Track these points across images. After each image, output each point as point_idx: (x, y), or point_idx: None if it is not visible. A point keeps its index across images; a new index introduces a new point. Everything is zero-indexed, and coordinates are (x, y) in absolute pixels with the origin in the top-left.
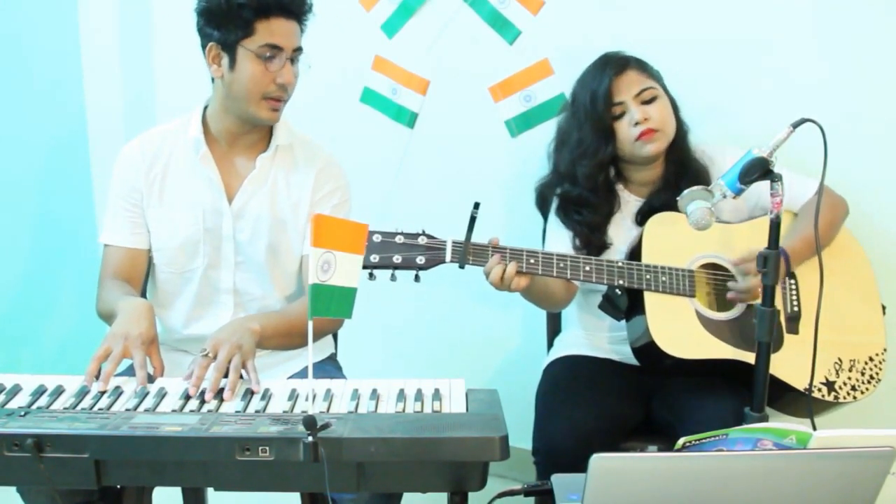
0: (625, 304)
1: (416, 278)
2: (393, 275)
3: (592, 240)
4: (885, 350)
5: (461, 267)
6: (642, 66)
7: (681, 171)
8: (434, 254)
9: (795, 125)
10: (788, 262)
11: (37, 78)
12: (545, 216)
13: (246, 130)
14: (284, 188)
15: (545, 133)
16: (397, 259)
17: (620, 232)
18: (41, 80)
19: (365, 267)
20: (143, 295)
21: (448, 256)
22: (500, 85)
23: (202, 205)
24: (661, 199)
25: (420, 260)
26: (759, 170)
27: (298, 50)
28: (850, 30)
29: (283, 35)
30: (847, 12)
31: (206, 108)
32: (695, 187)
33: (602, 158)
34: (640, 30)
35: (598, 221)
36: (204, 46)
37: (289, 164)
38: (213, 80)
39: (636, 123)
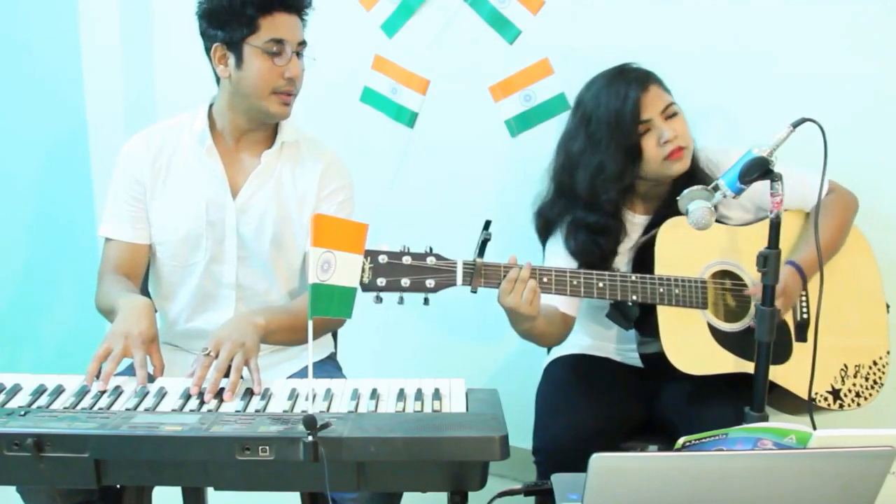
0: (635, 314)
1: (426, 301)
2: (401, 298)
3: (602, 268)
4: (888, 353)
5: (473, 291)
6: (659, 80)
7: (690, 182)
8: (444, 277)
9: (795, 125)
10: (804, 279)
11: (37, 77)
12: (544, 241)
13: (253, 127)
14: (290, 183)
15: (545, 133)
16: (405, 283)
17: (625, 261)
18: (41, 80)
19: (371, 290)
20: (144, 289)
21: (459, 280)
22: (500, 84)
23: (205, 198)
24: (668, 215)
25: (430, 283)
26: (758, 169)
27: (303, 44)
28: (850, 28)
29: (286, 29)
30: (847, 11)
31: (211, 105)
32: (695, 186)
33: (628, 181)
34: (639, 29)
35: (611, 247)
36: (208, 49)
37: (294, 160)
38: (217, 79)
39: (665, 142)
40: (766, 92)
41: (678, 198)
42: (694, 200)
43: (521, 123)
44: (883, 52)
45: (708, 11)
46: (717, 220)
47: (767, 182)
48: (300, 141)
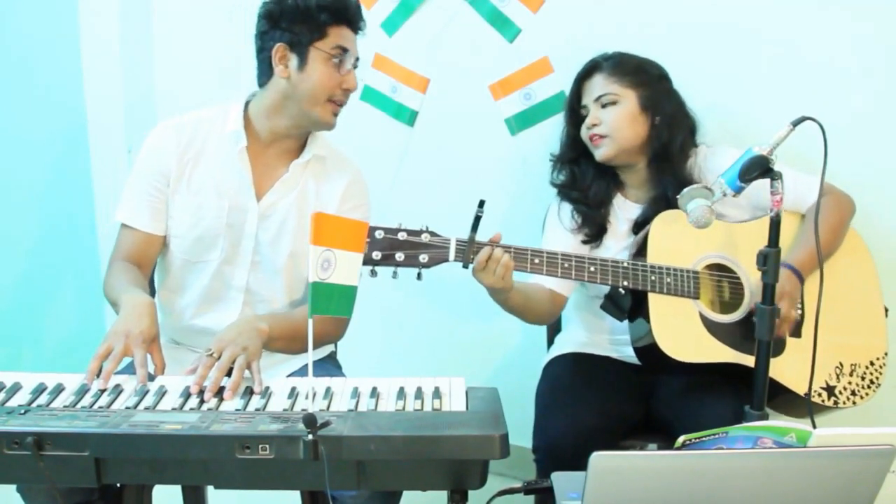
0: (628, 304)
1: (419, 276)
2: (395, 272)
3: (594, 217)
4: (885, 354)
5: (465, 266)
6: (616, 71)
7: (664, 172)
8: (437, 252)
9: (795, 123)
10: (801, 278)
11: (37, 78)
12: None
13: (292, 134)
14: (313, 196)
15: (545, 131)
16: (400, 257)
17: (620, 248)
18: (41, 80)
19: (367, 263)
20: (151, 279)
21: (452, 255)
22: (499, 83)
23: (229, 199)
24: (658, 207)
25: (423, 258)
26: (759, 168)
27: (357, 59)
28: (851, 26)
29: (350, 41)
30: (848, 11)
31: (247, 103)
32: (694, 185)
33: (571, 157)
34: (640, 28)
35: (595, 227)
36: (267, 49)
37: (320, 174)
38: (261, 81)
39: (588, 126)
40: (766, 91)
41: (678, 196)
42: (694, 199)
43: (521, 122)
44: (884, 52)
45: (708, 11)
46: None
47: (763, 181)
48: (327, 156)
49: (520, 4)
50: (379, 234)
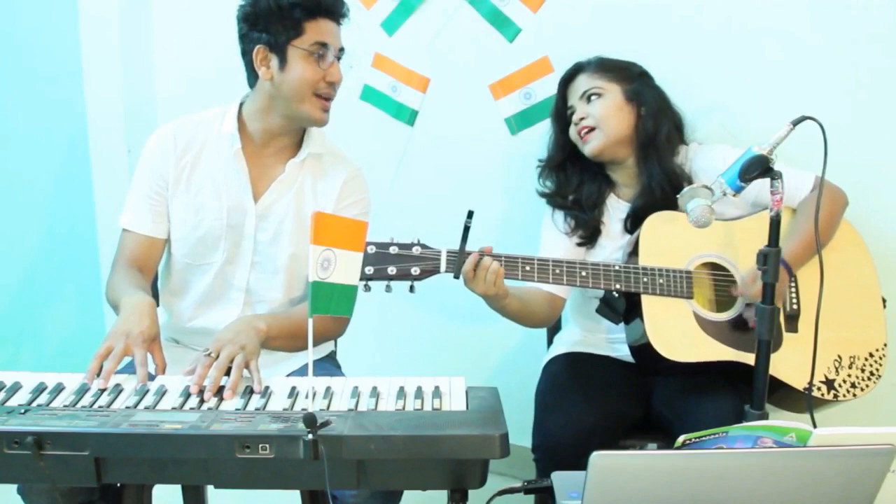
0: (622, 306)
1: (411, 289)
2: (388, 286)
3: (587, 220)
4: (885, 345)
5: (456, 277)
6: (598, 69)
7: (653, 172)
8: (429, 264)
9: (795, 122)
10: (790, 271)
11: (37, 77)
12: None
13: (285, 132)
14: (311, 194)
15: (545, 130)
16: (392, 270)
17: (616, 247)
18: (41, 80)
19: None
20: (154, 282)
21: (443, 266)
22: (500, 82)
23: (228, 200)
24: (645, 204)
25: (415, 270)
26: (759, 167)
27: (342, 50)
28: (851, 26)
29: (329, 34)
30: (848, 8)
31: (241, 105)
32: (694, 185)
33: (559, 159)
34: (639, 27)
35: (590, 228)
36: (245, 51)
37: (317, 172)
38: (250, 82)
39: (576, 122)
40: (766, 91)
41: (678, 196)
42: (693, 199)
43: (522, 121)
44: (883, 52)
45: (709, 10)
46: None
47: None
48: (324, 154)
49: (520, 4)
50: (371, 250)
